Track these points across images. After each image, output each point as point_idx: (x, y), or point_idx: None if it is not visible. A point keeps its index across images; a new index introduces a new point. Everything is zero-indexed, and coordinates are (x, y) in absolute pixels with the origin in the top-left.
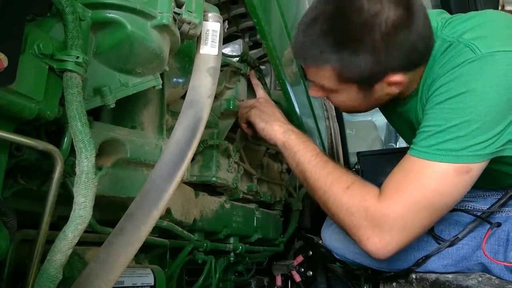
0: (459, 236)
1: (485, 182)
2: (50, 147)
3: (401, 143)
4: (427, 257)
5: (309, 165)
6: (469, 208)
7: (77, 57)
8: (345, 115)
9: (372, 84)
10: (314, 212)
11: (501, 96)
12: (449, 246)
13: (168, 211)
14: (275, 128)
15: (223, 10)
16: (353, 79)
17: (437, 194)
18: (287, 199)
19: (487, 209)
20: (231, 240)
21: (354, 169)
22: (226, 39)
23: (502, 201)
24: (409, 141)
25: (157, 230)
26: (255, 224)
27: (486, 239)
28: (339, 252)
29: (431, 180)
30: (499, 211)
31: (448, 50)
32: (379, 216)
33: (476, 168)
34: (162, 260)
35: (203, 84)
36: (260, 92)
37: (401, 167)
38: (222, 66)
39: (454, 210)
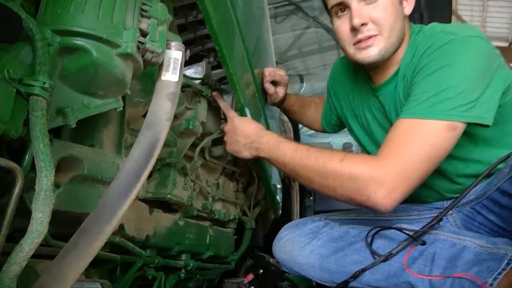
0: (393, 252)
1: (426, 192)
2: (12, 164)
3: None
4: (363, 270)
5: (294, 161)
6: (403, 228)
7: (44, 83)
8: (303, 138)
9: None
10: (267, 231)
11: (477, 68)
12: (383, 261)
13: (121, 227)
14: (247, 155)
15: (189, 30)
16: None
17: (433, 147)
18: (241, 217)
19: (419, 229)
20: (183, 256)
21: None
22: (192, 58)
23: (432, 223)
24: (371, 137)
25: (109, 245)
26: (207, 241)
27: (413, 257)
28: (287, 264)
29: (428, 135)
30: (428, 232)
31: (432, 39)
32: (384, 171)
33: (460, 127)
34: (112, 275)
35: (162, 108)
36: (229, 113)
37: (396, 131)
38: (184, 87)
39: (390, 228)
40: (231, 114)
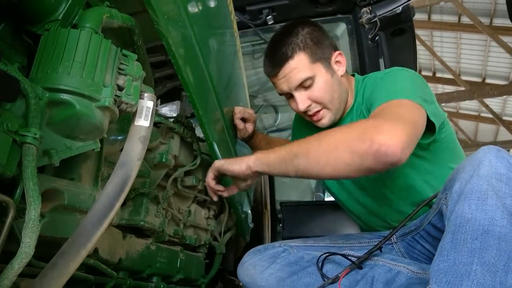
0: (339, 275)
1: (375, 221)
2: (6, 198)
3: (328, 196)
4: None
5: (295, 148)
6: (349, 254)
7: (35, 134)
8: None
9: (329, 62)
10: (239, 256)
11: (419, 83)
12: (331, 283)
13: (95, 251)
14: (245, 162)
15: (169, 66)
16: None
17: (411, 110)
18: (212, 242)
19: (361, 256)
20: (154, 279)
21: (279, 216)
22: (171, 91)
23: (372, 251)
24: None
25: (84, 266)
26: (178, 265)
27: (356, 280)
28: (250, 286)
29: (405, 104)
30: (370, 258)
31: (374, 76)
32: (381, 120)
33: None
34: None
35: (134, 149)
36: None
37: (372, 115)
38: (159, 123)
39: (336, 254)
40: None
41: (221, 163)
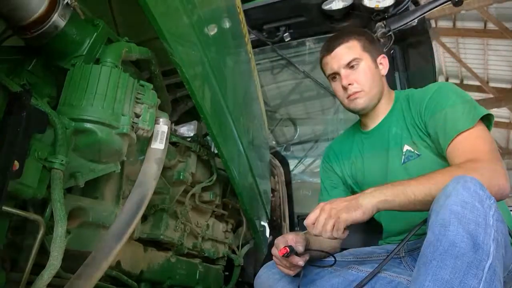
0: None
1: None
2: (37, 217)
3: None
4: None
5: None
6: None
7: (62, 160)
8: (306, 177)
9: (375, 58)
10: (258, 268)
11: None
12: None
13: (118, 263)
14: (359, 213)
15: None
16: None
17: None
18: (230, 255)
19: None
20: None
21: (296, 229)
22: (188, 112)
23: (374, 272)
24: (374, 171)
25: (108, 278)
26: (197, 277)
27: None
28: None
29: (480, 135)
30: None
31: (423, 88)
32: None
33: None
34: None
35: (150, 170)
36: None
37: (459, 147)
38: (177, 143)
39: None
40: None
41: (341, 218)
